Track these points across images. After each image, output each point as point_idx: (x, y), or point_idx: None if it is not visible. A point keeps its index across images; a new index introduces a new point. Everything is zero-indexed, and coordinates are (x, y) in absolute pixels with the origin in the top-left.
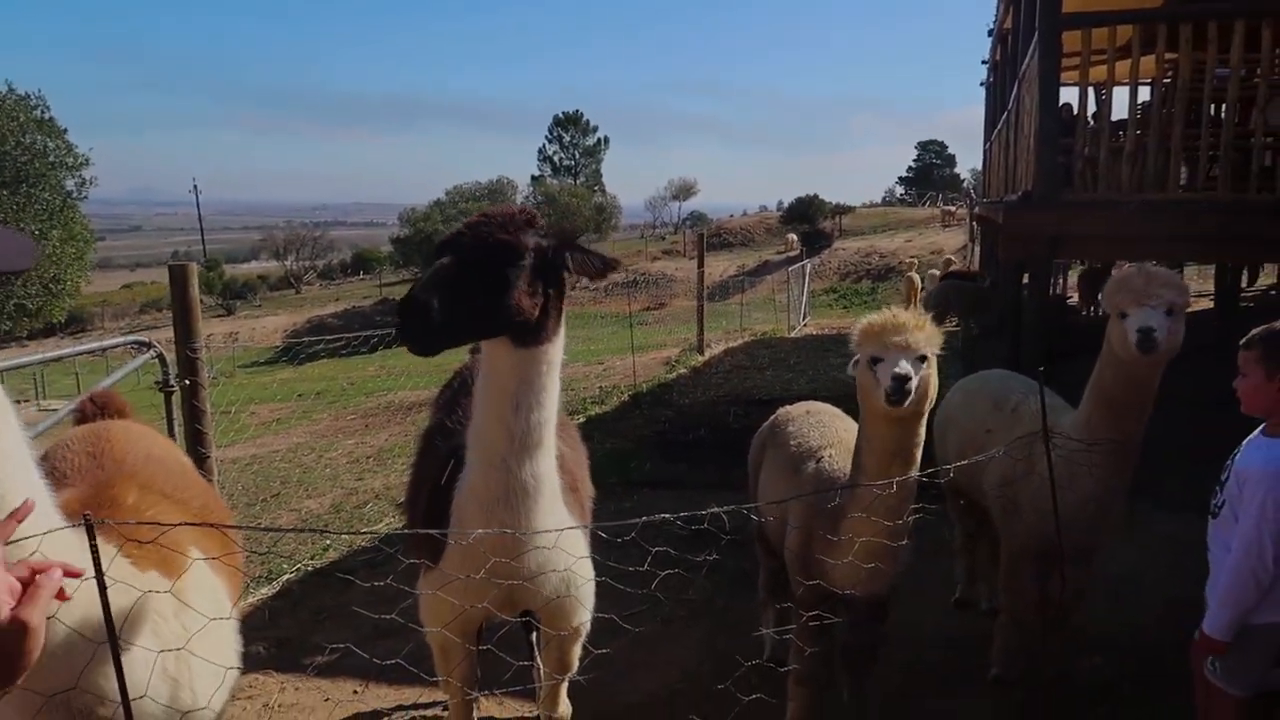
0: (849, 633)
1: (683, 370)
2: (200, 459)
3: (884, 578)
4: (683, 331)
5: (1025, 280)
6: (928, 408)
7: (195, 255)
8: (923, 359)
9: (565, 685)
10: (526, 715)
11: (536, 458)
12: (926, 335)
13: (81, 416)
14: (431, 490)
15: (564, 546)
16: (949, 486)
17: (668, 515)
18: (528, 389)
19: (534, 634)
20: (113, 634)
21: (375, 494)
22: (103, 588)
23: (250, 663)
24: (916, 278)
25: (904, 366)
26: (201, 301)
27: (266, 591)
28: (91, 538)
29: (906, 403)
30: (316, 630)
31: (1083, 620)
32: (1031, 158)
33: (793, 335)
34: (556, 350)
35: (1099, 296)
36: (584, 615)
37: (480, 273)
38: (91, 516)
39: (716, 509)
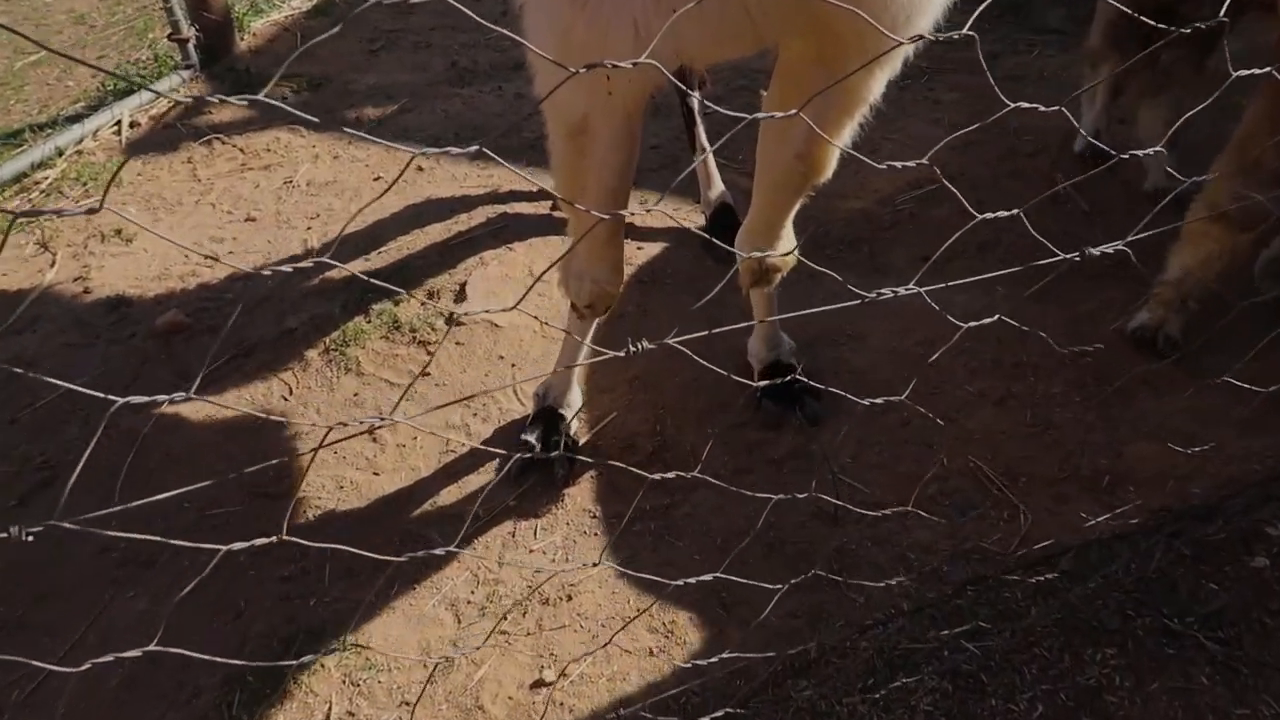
0: None
1: None
2: None
3: None
4: None
5: None
6: None
7: None
8: None
9: (792, 213)
10: (693, 224)
11: None
12: None
13: None
14: None
15: None
16: None
17: None
18: None
19: (693, 102)
20: None
21: None
22: None
23: (271, 115)
24: None
25: None
26: None
27: None
28: None
29: None
30: (368, 67)
31: None
32: None
33: None
34: None
35: None
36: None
37: None
38: None
39: None
